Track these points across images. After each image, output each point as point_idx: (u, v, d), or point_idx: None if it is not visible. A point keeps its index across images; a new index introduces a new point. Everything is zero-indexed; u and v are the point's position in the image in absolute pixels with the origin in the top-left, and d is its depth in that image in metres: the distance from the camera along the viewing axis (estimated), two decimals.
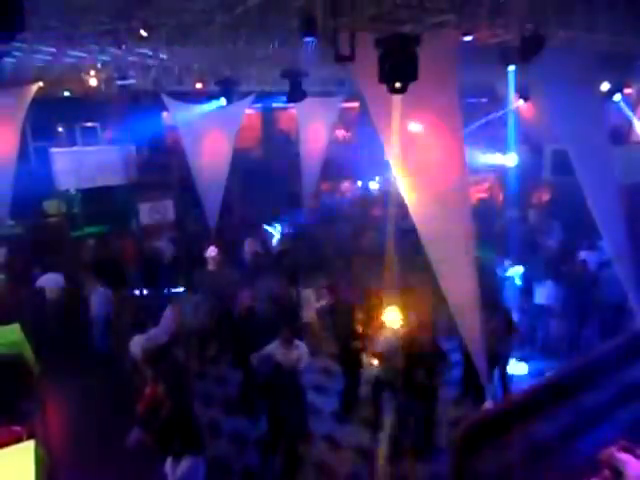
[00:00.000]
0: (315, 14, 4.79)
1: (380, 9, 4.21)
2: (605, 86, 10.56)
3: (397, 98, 4.89)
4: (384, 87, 4.74)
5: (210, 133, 11.37)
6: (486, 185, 14.85)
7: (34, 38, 6.19)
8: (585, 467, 4.56)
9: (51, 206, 12.58)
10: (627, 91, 12.44)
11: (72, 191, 12.46)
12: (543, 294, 8.20)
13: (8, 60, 6.97)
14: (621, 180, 8.00)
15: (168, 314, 6.53)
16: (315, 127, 13.10)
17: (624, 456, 4.40)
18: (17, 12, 3.87)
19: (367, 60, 4.88)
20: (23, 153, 11.08)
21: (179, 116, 11.16)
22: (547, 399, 5.92)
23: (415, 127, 5.24)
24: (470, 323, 5.56)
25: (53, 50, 7.25)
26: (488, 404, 5.69)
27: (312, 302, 8.38)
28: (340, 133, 17.83)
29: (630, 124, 13.26)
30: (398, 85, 4.20)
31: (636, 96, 12.89)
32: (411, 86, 4.66)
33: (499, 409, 5.73)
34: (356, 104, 16.44)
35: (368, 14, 4.36)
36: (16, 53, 6.96)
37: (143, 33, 5.69)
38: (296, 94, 6.82)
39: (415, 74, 4.46)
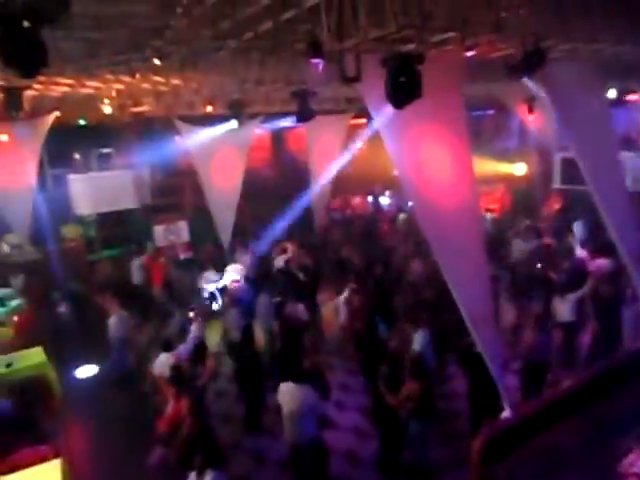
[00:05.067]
0: (321, 37, 4.97)
1: (384, 31, 4.37)
2: (612, 93, 10.64)
3: (406, 115, 5.02)
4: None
5: (222, 154, 11.63)
6: (496, 196, 14.87)
7: (53, 72, 6.46)
8: (606, 477, 4.55)
9: (69, 231, 12.88)
10: (633, 97, 12.48)
11: (89, 215, 12.76)
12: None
13: (29, 93, 7.25)
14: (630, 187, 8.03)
15: (193, 332, 6.66)
16: (325, 144, 13.31)
17: None
18: (40, 50, 4.12)
19: (373, 79, 5.03)
20: (41, 180, 11.45)
21: (191, 139, 11.44)
22: (566, 408, 5.90)
23: (423, 143, 5.35)
24: (487, 337, 5.58)
25: (71, 82, 7.55)
26: (506, 413, 5.67)
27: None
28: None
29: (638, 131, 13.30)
30: (403, 104, 4.35)
31: None
32: (419, 102, 4.79)
33: (518, 418, 5.71)
34: (364, 120, 16.69)
35: (372, 36, 4.52)
36: (37, 86, 7.27)
37: (157, 62, 5.90)
38: (305, 113, 7.00)
39: (419, 92, 4.60)
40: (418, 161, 5.30)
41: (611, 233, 7.28)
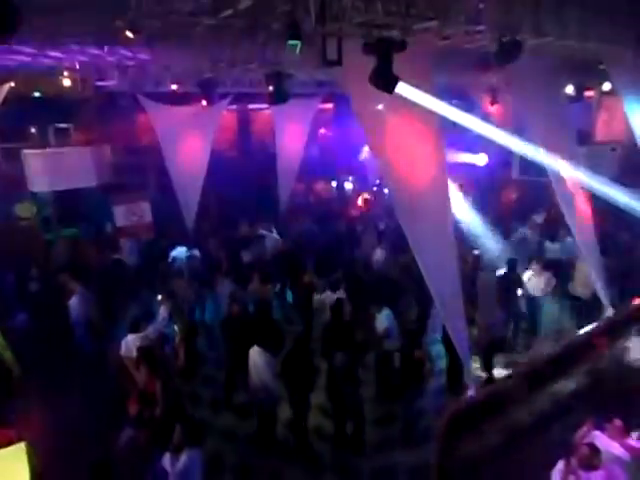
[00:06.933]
0: (300, 19, 4.95)
1: (368, 16, 4.40)
2: (569, 89, 11.10)
3: (382, 100, 5.11)
4: (370, 89, 4.97)
5: (188, 134, 11.37)
6: (457, 184, 15.26)
7: (15, 38, 6.11)
8: (563, 447, 4.87)
9: (23, 209, 12.31)
10: (589, 94, 13.05)
11: (45, 193, 12.23)
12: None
13: None
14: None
15: (162, 313, 6.58)
16: (292, 128, 13.24)
17: (595, 432, 4.82)
18: (11, 14, 3.88)
19: (353, 63, 5.08)
20: None
21: (156, 117, 11.12)
22: (525, 386, 6.25)
23: (398, 127, 5.45)
24: (453, 313, 5.82)
25: (32, 51, 7.16)
26: (470, 392, 5.95)
27: None
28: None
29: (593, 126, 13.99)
30: (389, 87, 4.42)
31: (598, 99, 13.54)
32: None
33: (481, 397, 6.00)
34: (330, 105, 16.71)
35: (356, 21, 4.55)
36: None
37: (129, 34, 5.68)
38: (280, 96, 6.94)
39: (397, 77, 4.71)
40: (394, 143, 5.41)
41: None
